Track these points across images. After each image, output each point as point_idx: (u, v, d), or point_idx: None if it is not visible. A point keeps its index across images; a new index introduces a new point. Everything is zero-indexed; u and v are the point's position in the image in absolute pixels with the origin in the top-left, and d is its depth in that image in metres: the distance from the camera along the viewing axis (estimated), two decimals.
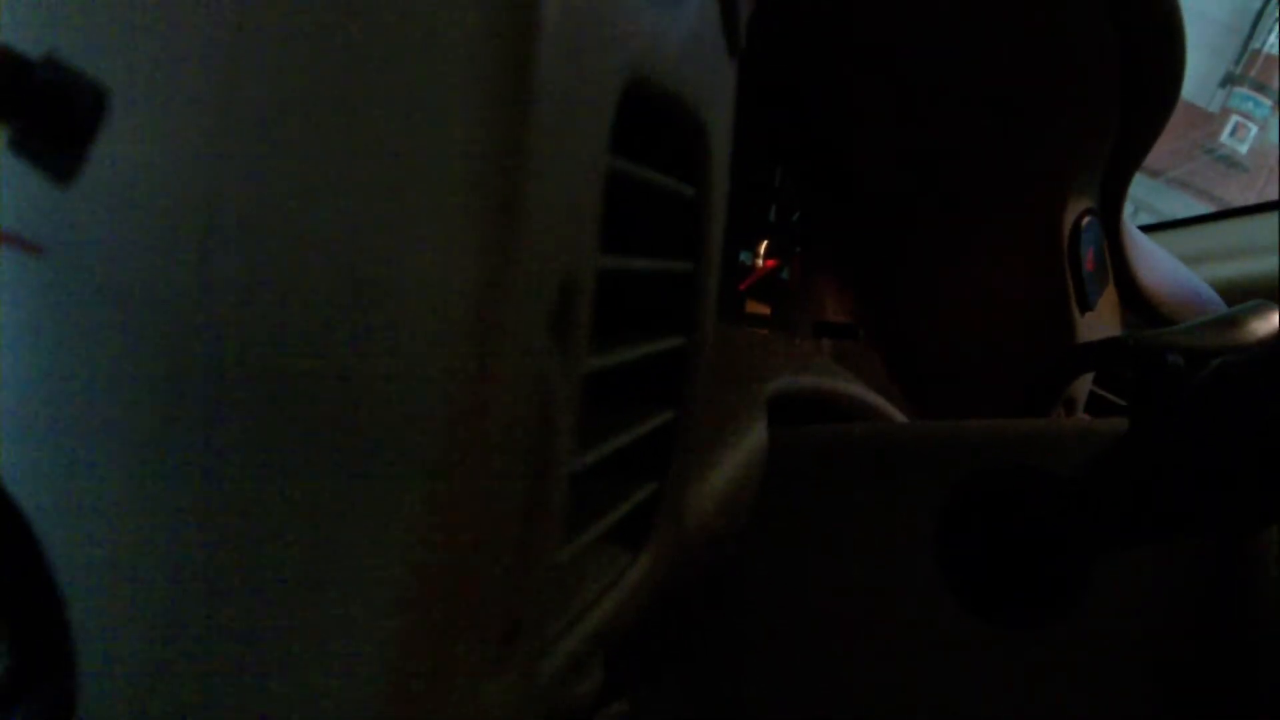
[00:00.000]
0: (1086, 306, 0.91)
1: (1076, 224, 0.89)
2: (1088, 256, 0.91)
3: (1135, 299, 1.02)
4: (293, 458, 0.18)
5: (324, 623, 0.18)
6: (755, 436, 0.50)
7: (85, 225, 0.19)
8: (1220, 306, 1.12)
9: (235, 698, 0.19)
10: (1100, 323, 0.94)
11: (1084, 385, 0.92)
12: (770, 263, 0.89)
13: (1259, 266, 1.35)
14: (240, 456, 0.18)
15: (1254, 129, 6.18)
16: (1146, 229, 1.55)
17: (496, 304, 0.18)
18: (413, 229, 0.18)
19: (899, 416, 0.67)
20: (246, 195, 0.18)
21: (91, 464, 0.19)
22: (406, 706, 0.19)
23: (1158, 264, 1.07)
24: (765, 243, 0.89)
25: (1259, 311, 0.63)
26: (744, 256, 0.88)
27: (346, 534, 0.18)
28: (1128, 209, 0.98)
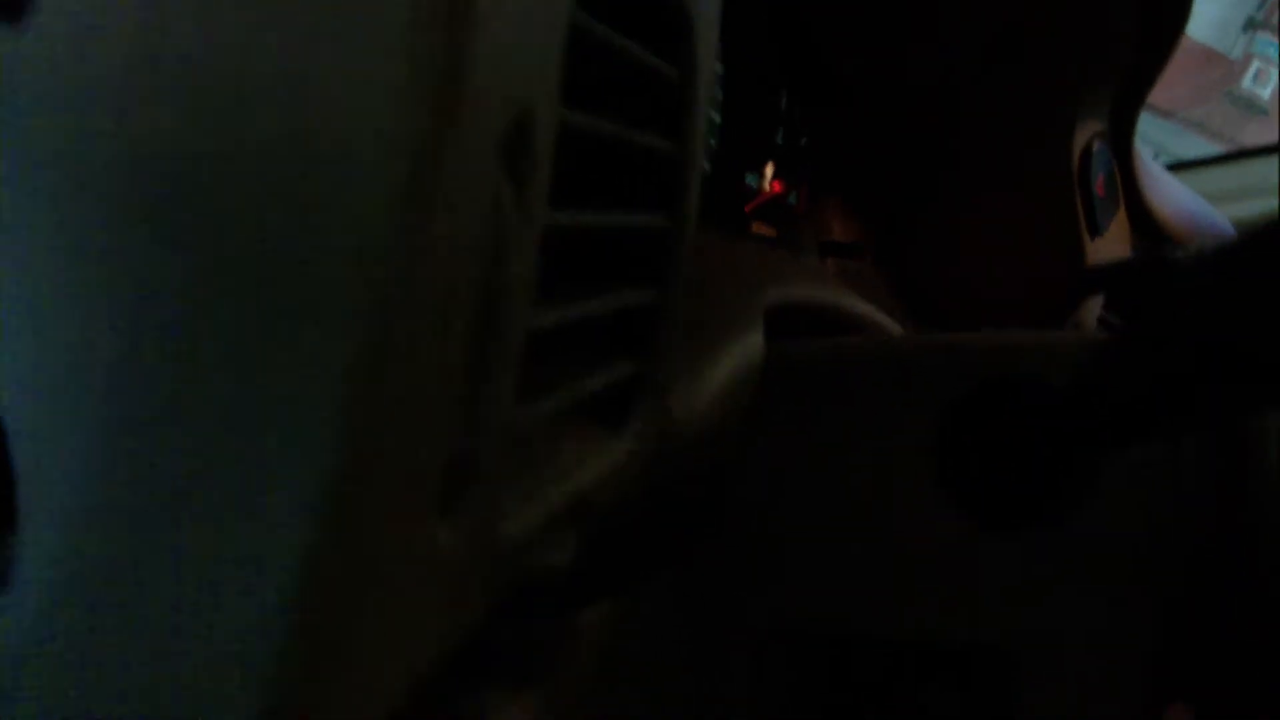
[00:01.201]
0: (1096, 232, 0.90)
1: (1086, 148, 0.88)
2: (1098, 181, 0.90)
3: (1146, 225, 1.01)
4: (228, 286, 0.18)
5: (258, 458, 0.18)
6: (751, 341, 0.50)
7: (26, 70, 0.18)
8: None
9: (169, 539, 0.19)
10: (1110, 248, 0.93)
11: (1092, 310, 0.92)
12: (777, 186, 0.88)
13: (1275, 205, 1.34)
14: (176, 287, 0.18)
15: (1276, 73, 6.10)
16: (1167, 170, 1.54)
17: (440, 111, 0.18)
18: (353, 34, 0.17)
19: (900, 332, 0.67)
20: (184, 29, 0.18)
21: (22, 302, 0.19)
22: (353, 541, 0.19)
23: (1169, 191, 1.06)
24: (771, 166, 0.89)
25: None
26: (750, 180, 0.87)
27: (281, 363, 0.18)
28: (1147, 152, 0.97)
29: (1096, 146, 0.89)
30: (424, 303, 0.19)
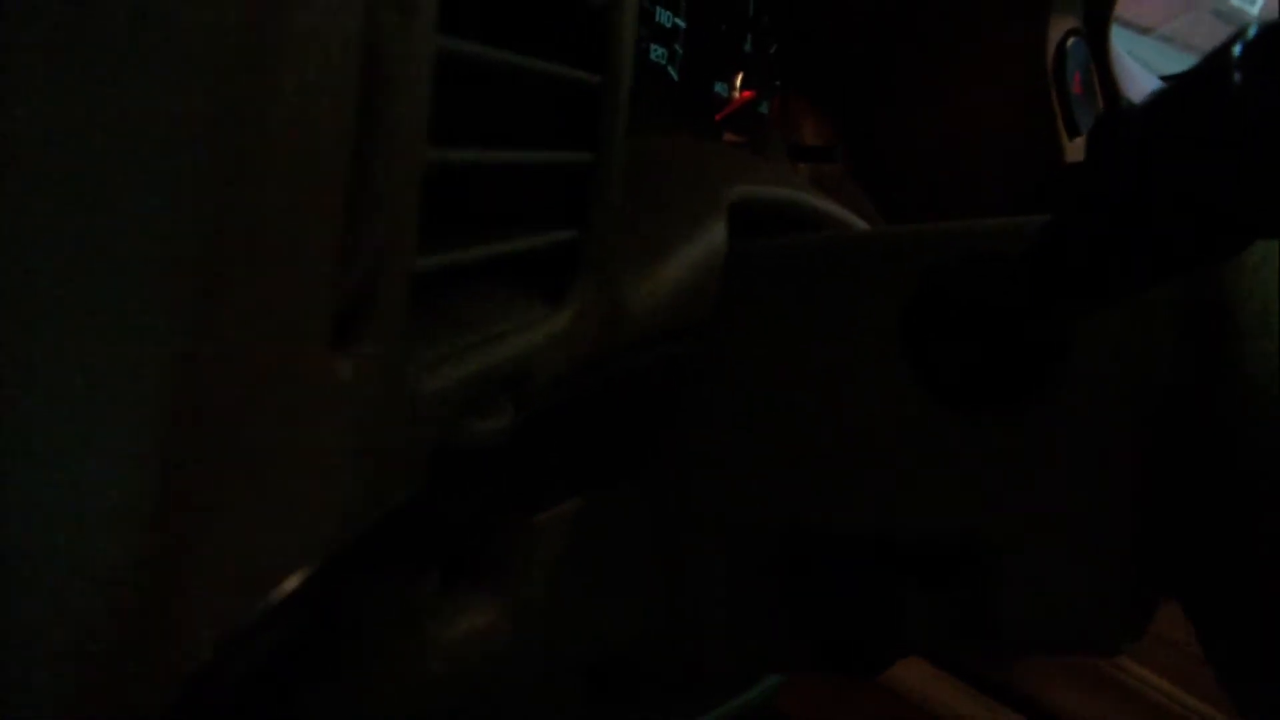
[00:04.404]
0: (1075, 131, 0.89)
1: (1061, 45, 0.87)
2: (1074, 79, 0.88)
3: None
4: (85, 97, 0.16)
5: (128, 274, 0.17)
6: (713, 236, 0.49)
7: None
8: None
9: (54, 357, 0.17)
10: None
11: None
12: (747, 94, 0.87)
13: None
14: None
15: None
16: None
17: None
18: None
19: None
20: None
21: None
22: (241, 364, 0.18)
23: (1150, 89, 1.04)
24: (741, 75, 0.87)
25: None
26: (719, 88, 0.85)
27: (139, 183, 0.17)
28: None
29: (1071, 43, 0.87)
30: (283, 131, 0.18)
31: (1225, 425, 0.42)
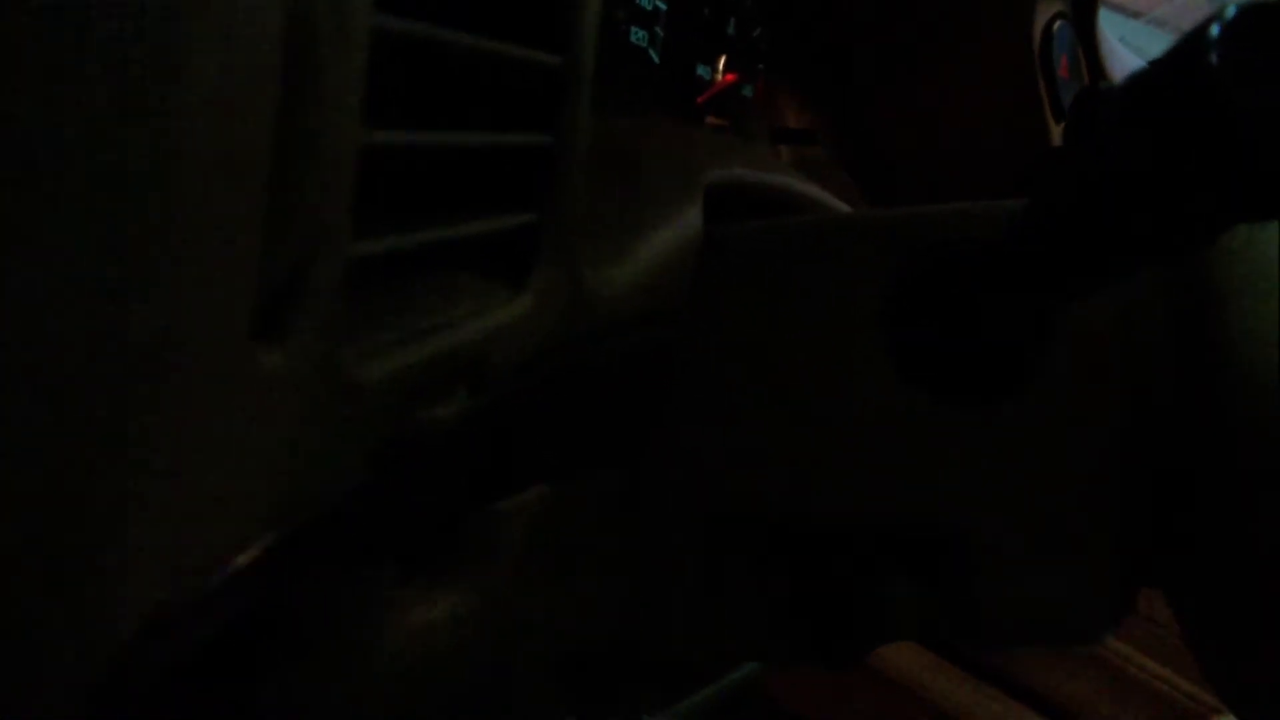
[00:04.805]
0: (1062, 115, 0.88)
1: (1048, 28, 0.86)
2: (1061, 62, 0.88)
3: None
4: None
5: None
6: (688, 220, 0.48)
7: None
8: None
9: None
10: None
11: None
12: (730, 77, 0.86)
13: None
14: None
15: None
16: None
17: None
18: None
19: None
20: None
21: None
22: (171, 370, 0.17)
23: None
24: (724, 58, 0.86)
25: None
26: (702, 71, 0.84)
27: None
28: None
29: (1058, 26, 0.86)
30: (201, 115, 0.17)
31: (1214, 408, 0.41)
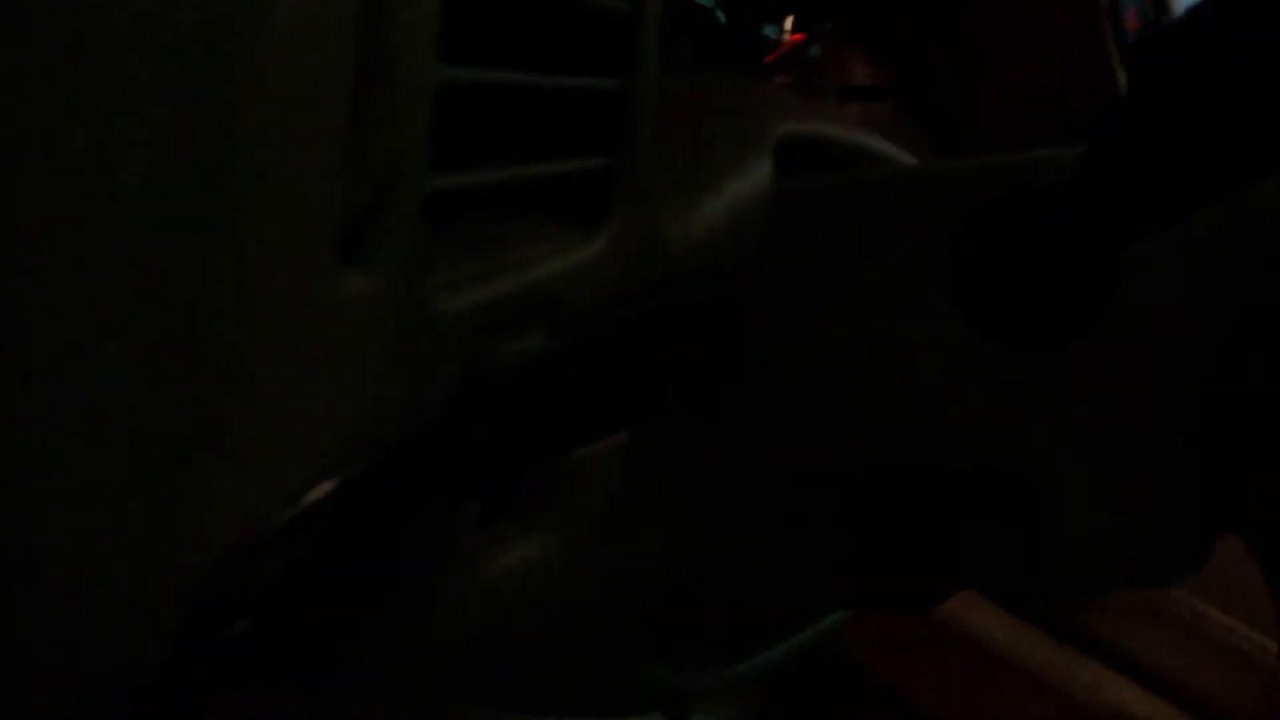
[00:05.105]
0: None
1: None
2: (1129, 14, 0.86)
3: None
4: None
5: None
6: (759, 173, 0.48)
7: None
8: None
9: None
10: None
11: None
12: (796, 37, 0.86)
13: None
14: None
15: None
16: None
17: None
18: None
19: None
20: None
21: None
22: (248, 275, 0.18)
23: None
24: (791, 17, 0.86)
25: None
26: (769, 30, 0.85)
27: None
28: None
29: None
30: (283, 44, 0.18)
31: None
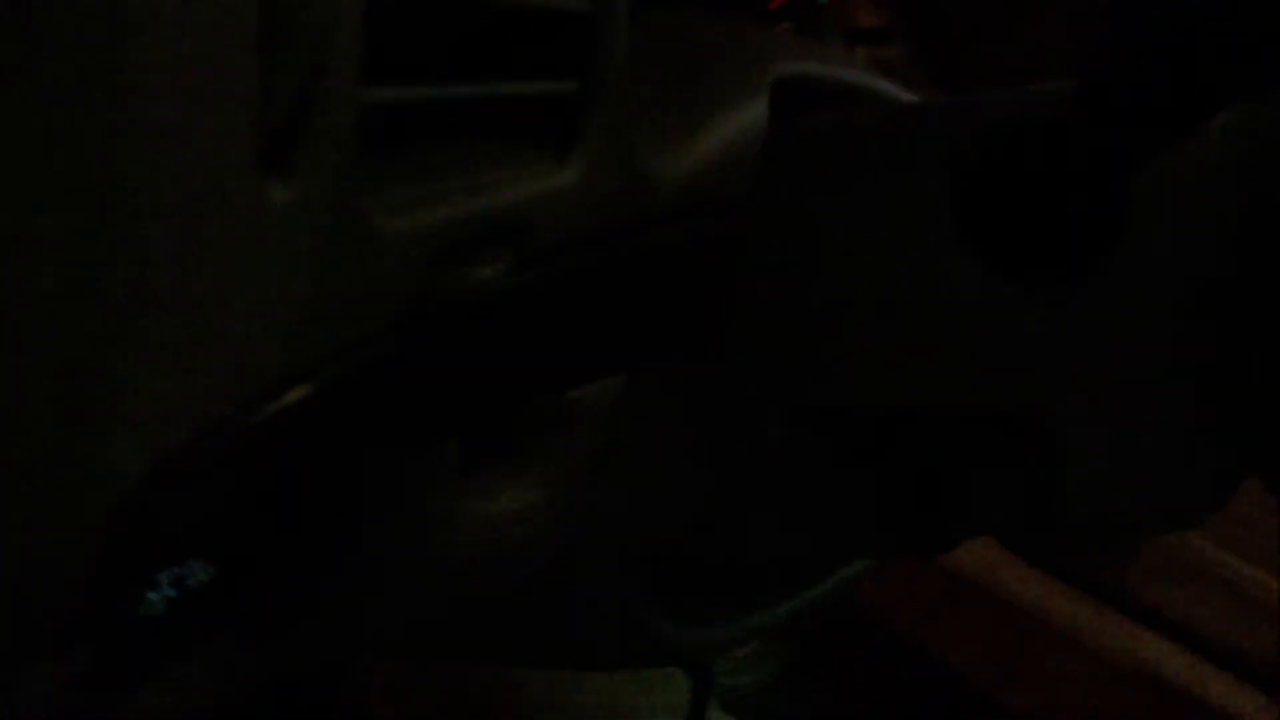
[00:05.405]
0: None
1: None
2: None
3: None
4: None
5: None
6: (753, 112, 0.47)
7: None
8: None
9: None
10: None
11: None
12: None
13: None
14: None
15: None
16: None
17: None
18: None
19: None
20: None
21: None
22: (176, 196, 0.17)
23: None
24: None
25: None
26: None
27: None
28: None
29: None
30: None
31: None
